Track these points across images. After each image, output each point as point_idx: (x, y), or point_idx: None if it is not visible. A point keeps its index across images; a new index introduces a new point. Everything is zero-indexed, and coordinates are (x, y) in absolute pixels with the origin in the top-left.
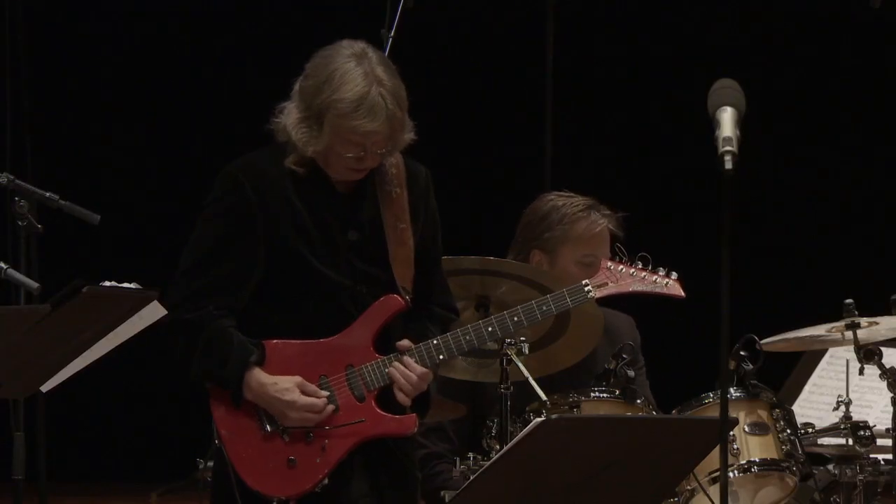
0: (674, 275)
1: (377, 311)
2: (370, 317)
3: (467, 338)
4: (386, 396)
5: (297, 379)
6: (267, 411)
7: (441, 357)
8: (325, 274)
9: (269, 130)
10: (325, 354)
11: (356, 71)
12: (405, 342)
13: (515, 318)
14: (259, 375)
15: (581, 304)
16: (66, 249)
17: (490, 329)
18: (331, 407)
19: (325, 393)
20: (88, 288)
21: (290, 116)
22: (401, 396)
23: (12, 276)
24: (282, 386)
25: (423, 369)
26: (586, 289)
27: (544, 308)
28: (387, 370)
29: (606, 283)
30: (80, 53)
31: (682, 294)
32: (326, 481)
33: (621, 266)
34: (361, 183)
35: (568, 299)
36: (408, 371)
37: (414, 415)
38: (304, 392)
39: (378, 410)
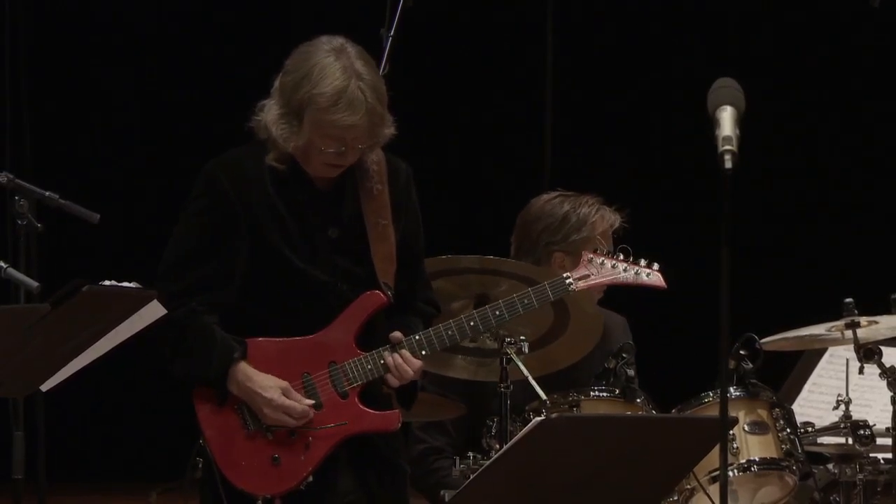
0: (655, 266)
1: (359, 307)
2: (352, 313)
3: (449, 333)
4: (370, 392)
5: (284, 384)
6: (250, 409)
7: (423, 352)
8: (306, 272)
9: (250, 128)
10: (308, 352)
11: (335, 65)
12: (397, 334)
13: (497, 312)
14: (245, 369)
15: (562, 296)
16: (65, 248)
17: (472, 323)
18: (310, 414)
19: (310, 401)
20: (88, 287)
21: (269, 113)
22: (391, 380)
23: (12, 275)
24: (266, 384)
25: (419, 362)
26: (567, 281)
27: (526, 301)
28: (382, 361)
29: (588, 276)
30: (80, 52)
31: (664, 285)
32: (311, 479)
33: (602, 258)
34: (342, 180)
35: (549, 292)
36: (405, 365)
37: (397, 411)
38: (286, 397)
39: (361, 407)
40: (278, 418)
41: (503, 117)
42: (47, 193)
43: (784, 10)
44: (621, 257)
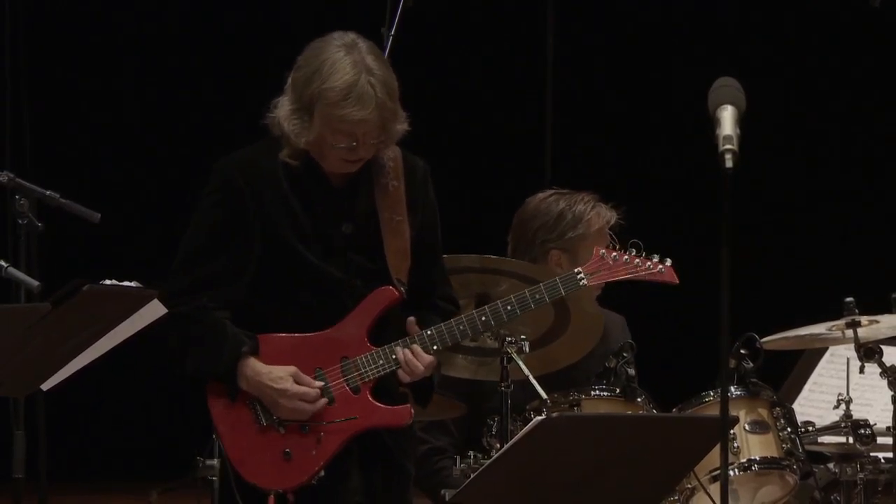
0: (667, 261)
1: (371, 303)
2: (364, 309)
3: (461, 328)
4: (382, 387)
5: (292, 369)
6: (262, 404)
7: (435, 347)
8: (320, 267)
9: (264, 126)
10: (320, 347)
11: (345, 60)
12: (413, 319)
13: (509, 307)
14: (254, 364)
15: (573, 291)
16: (66, 248)
17: (483, 319)
18: (324, 399)
19: (319, 383)
20: (89, 286)
21: (282, 109)
22: (403, 376)
23: (13, 274)
24: (275, 375)
25: (430, 357)
26: (579, 276)
27: (537, 296)
28: (393, 356)
29: (599, 271)
30: (81, 52)
31: (676, 280)
32: (322, 473)
33: (614, 253)
34: (357, 176)
35: (561, 287)
36: (416, 360)
37: (409, 405)
38: (297, 382)
39: (373, 402)
40: (295, 407)
41: (503, 117)
42: (48, 193)
43: (784, 10)
44: (633, 253)
